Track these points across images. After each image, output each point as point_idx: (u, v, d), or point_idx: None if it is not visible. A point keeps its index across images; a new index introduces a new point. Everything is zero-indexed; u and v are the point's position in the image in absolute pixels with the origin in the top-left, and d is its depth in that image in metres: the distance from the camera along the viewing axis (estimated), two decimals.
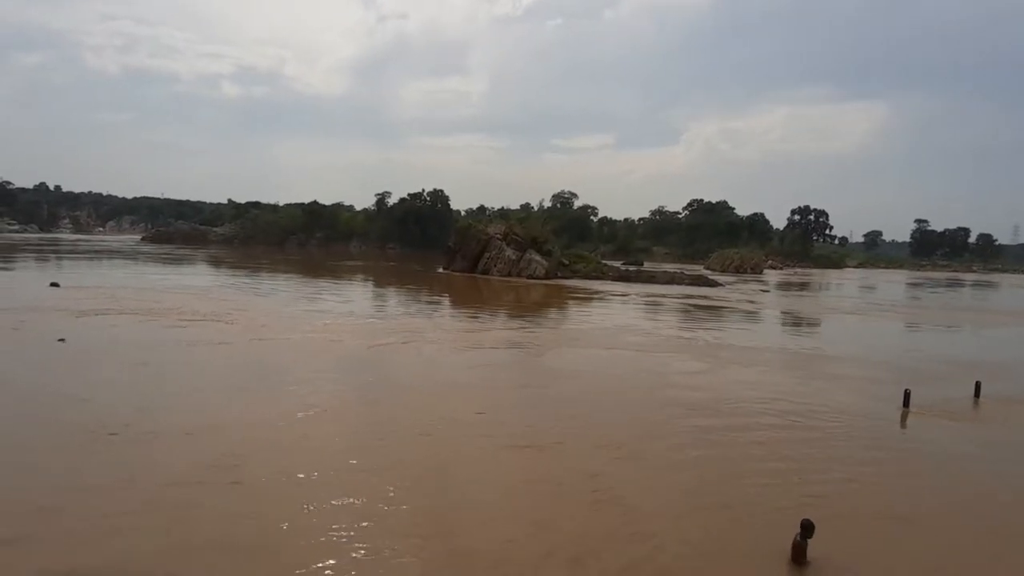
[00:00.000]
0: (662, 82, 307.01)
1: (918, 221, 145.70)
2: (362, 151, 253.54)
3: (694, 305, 34.69)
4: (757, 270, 74.98)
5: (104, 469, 8.18)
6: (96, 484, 7.70)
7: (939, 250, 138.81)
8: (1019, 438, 11.81)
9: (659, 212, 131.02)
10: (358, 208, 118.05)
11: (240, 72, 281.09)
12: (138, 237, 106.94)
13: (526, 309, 30.02)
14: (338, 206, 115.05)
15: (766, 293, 46.23)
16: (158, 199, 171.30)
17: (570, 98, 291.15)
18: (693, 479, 8.90)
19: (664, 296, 39.34)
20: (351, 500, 7.59)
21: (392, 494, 7.81)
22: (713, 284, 49.51)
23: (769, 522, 7.45)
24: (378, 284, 42.67)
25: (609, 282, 48.34)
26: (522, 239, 50.65)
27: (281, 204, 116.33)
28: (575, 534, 7.01)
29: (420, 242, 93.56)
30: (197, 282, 35.89)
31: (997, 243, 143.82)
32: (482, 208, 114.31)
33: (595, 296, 37.52)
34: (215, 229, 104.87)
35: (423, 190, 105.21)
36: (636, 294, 39.80)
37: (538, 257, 49.30)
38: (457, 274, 49.57)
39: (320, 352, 16.59)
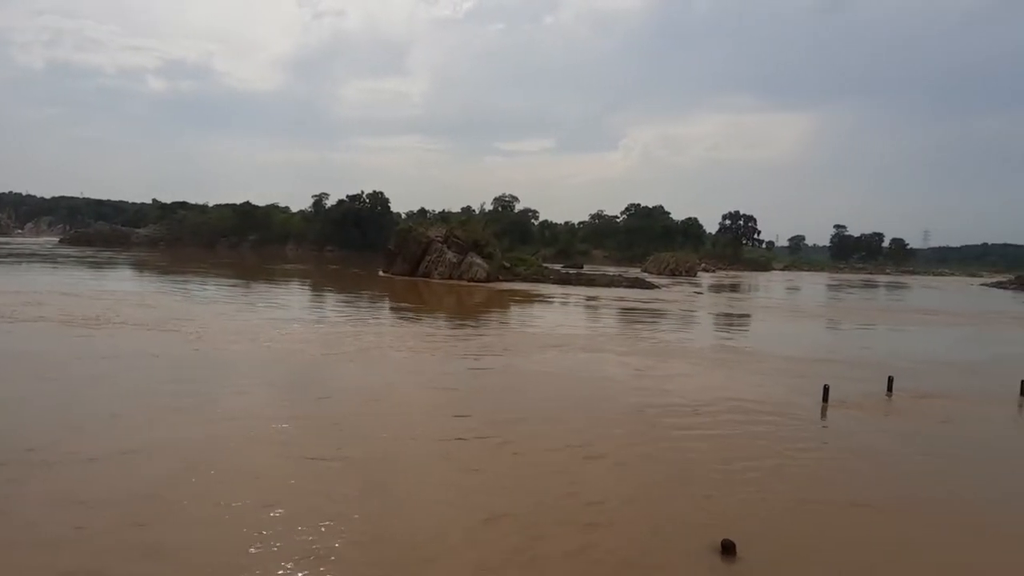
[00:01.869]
0: (602, 88, 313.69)
1: (837, 226, 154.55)
2: (299, 150, 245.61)
3: (633, 307, 35.54)
4: (691, 273, 77.59)
5: None
6: None
7: (856, 254, 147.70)
8: (926, 429, 12.70)
9: (599, 216, 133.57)
10: (294, 209, 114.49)
11: (166, 66, 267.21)
12: (56, 239, 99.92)
13: (470, 313, 29.96)
14: (273, 207, 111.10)
15: (700, 295, 47.92)
16: (77, 199, 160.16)
17: (512, 102, 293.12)
18: (641, 471, 9.23)
19: (604, 298, 40.12)
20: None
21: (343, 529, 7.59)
22: (650, 286, 50.90)
23: (702, 509, 7.76)
24: (317, 289, 41.50)
25: (550, 285, 48.86)
26: (463, 242, 50.51)
27: (211, 204, 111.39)
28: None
29: (359, 244, 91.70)
30: (125, 287, 33.88)
31: (908, 247, 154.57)
32: (423, 211, 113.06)
33: (537, 299, 37.84)
34: (138, 230, 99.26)
35: (362, 192, 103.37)
36: (577, 297, 40.42)
37: (479, 260, 49.29)
38: (398, 277, 48.88)
39: (265, 363, 15.97)
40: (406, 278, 48.36)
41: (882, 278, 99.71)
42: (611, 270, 69.29)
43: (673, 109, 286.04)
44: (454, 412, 12.06)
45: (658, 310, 34.40)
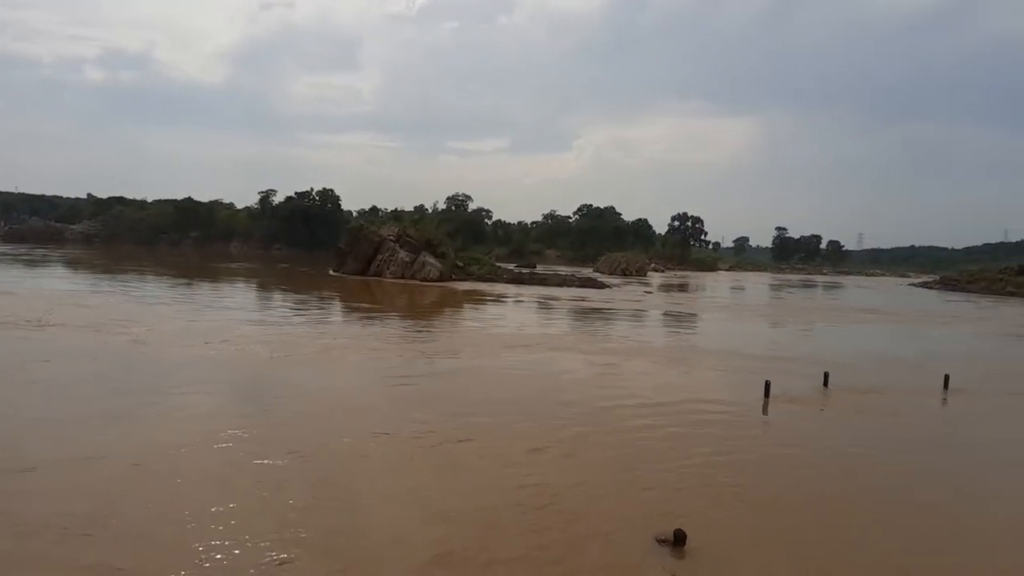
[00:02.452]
0: (556, 89, 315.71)
1: (778, 229, 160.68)
2: (245, 146, 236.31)
3: (586, 307, 36.09)
4: (642, 272, 79.28)
5: None
6: None
7: (796, 255, 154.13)
8: (856, 419, 13.48)
9: (551, 216, 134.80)
10: (239, 206, 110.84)
11: (106, 56, 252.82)
12: None
13: (424, 313, 29.81)
14: (217, 203, 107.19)
15: (650, 295, 49.04)
16: (12, 194, 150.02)
17: (466, 101, 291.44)
18: (595, 465, 9.51)
19: (557, 298, 40.57)
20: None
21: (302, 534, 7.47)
22: (602, 286, 51.76)
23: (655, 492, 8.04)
24: (266, 288, 40.36)
25: (504, 284, 49.03)
26: (416, 241, 50.11)
27: (150, 200, 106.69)
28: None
29: (309, 243, 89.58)
30: (61, 286, 32.08)
31: (844, 249, 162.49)
32: (375, 209, 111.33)
33: (491, 299, 37.94)
34: (72, 227, 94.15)
35: (312, 189, 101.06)
36: (531, 296, 40.73)
37: (432, 259, 49.01)
38: (349, 277, 48.06)
39: (214, 366, 15.46)
40: (357, 277, 47.60)
41: (820, 278, 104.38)
42: (564, 270, 70.09)
43: (625, 111, 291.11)
44: (409, 412, 12.01)
45: (610, 310, 35.05)
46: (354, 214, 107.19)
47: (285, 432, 10.29)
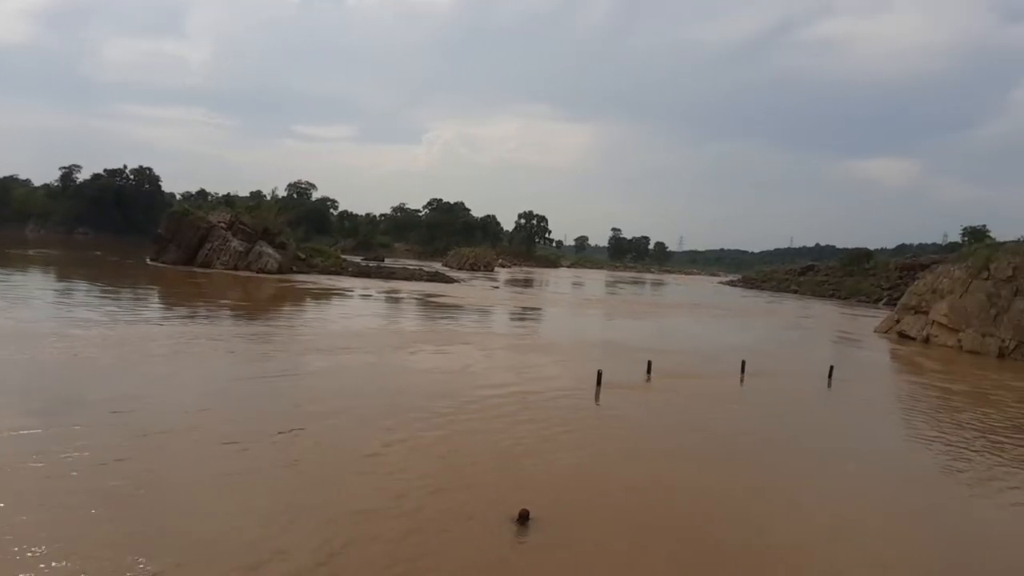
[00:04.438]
0: (407, 80, 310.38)
1: (614, 229, 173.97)
2: (46, 115, 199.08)
3: (434, 301, 36.14)
4: (489, 268, 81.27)
5: None
6: None
7: (629, 254, 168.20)
8: (675, 401, 15.15)
9: (401, 209, 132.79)
10: (37, 184, 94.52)
11: None
12: None
13: (259, 308, 27.75)
14: (11, 180, 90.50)
15: (497, 289, 50.46)
16: None
17: (310, 83, 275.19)
18: (444, 454, 9.67)
19: (405, 292, 40.13)
20: None
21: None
22: (450, 280, 52.16)
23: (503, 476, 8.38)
24: (67, 279, 34.82)
25: (349, 277, 47.39)
26: (252, 229, 46.51)
27: None
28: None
29: (122, 227, 79.20)
30: None
31: (668, 249, 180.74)
32: (203, 193, 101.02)
33: (336, 292, 36.46)
34: None
35: (125, 166, 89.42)
36: (378, 290, 39.83)
37: (270, 250, 45.87)
38: (170, 267, 43.26)
39: None
40: (181, 268, 43.02)
41: (648, 276, 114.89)
42: (413, 264, 69.46)
43: (475, 109, 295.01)
44: (241, 418, 11.20)
45: (459, 304, 35.47)
46: (178, 197, 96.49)
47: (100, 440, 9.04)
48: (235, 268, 43.65)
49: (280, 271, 44.42)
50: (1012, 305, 28.19)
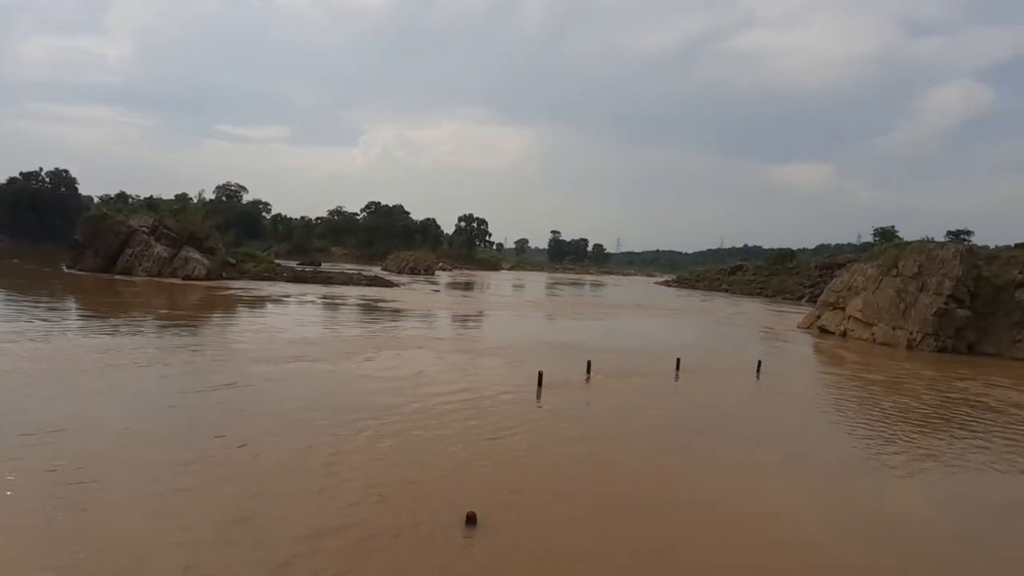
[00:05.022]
0: (342, 80, 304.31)
1: (553, 232, 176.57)
2: None
3: (375, 306, 35.52)
4: (430, 271, 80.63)
5: None
6: None
7: (568, 256, 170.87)
8: (612, 399, 15.49)
9: (338, 212, 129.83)
10: None
11: None
12: None
13: (183, 317, 26.44)
14: None
15: (438, 293, 50.11)
16: None
17: (239, 81, 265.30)
18: (391, 461, 9.48)
19: (343, 297, 39.26)
20: None
21: None
22: (390, 284, 51.42)
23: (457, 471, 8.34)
24: None
25: (284, 283, 45.94)
26: (177, 234, 44.37)
27: None
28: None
29: (37, 233, 73.74)
30: None
31: (606, 251, 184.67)
32: (124, 196, 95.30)
33: (269, 299, 35.22)
34: None
35: (41, 169, 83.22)
36: (316, 296, 38.77)
37: (198, 255, 43.86)
38: (88, 274, 40.64)
39: None
40: (100, 275, 40.49)
41: (587, 277, 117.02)
42: (351, 268, 68.06)
43: (412, 111, 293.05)
44: (171, 430, 10.67)
45: (400, 308, 35.01)
46: (96, 200, 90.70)
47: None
48: (159, 275, 41.53)
49: (208, 277, 42.53)
50: (918, 300, 30.47)
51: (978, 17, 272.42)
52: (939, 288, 29.99)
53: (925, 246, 34.27)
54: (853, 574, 7.30)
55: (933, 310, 29.48)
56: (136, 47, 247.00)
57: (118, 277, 40.41)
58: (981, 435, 14.18)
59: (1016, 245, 41.54)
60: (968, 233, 66.09)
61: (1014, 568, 7.94)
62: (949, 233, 65.22)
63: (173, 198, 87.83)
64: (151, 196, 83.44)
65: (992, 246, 45.57)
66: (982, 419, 15.81)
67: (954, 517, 9.45)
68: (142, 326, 22.26)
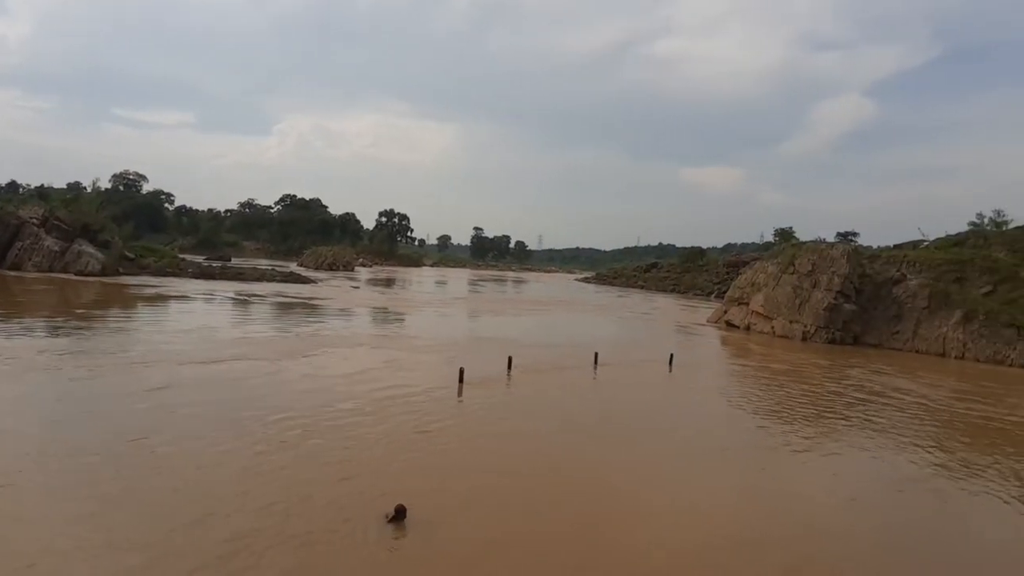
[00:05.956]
0: (255, 66, 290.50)
1: (476, 228, 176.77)
2: None
3: (289, 304, 34.32)
4: (349, 267, 78.61)
5: None
6: None
7: (490, 252, 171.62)
8: (529, 394, 15.93)
9: (249, 205, 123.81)
10: None
11: None
12: None
13: (75, 316, 24.47)
14: None
15: (357, 289, 49.01)
16: None
17: (143, 64, 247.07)
18: (316, 459, 9.28)
19: (256, 294, 37.62)
20: None
21: None
22: (307, 281, 49.75)
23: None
24: None
25: (189, 279, 43.42)
26: (69, 226, 40.97)
27: None
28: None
29: None
30: None
31: (528, 248, 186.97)
32: (14, 185, 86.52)
33: (173, 297, 33.17)
34: None
35: None
36: (224, 293, 36.91)
37: (92, 249, 40.67)
38: None
39: None
40: None
41: (510, 274, 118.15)
42: (264, 263, 65.20)
43: (331, 102, 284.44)
44: (71, 437, 9.96)
45: (316, 306, 34.02)
46: None
47: None
48: (50, 270, 38.27)
49: (104, 272, 39.50)
50: (812, 296, 33.11)
51: (870, 36, 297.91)
52: (829, 285, 32.73)
53: (818, 246, 37.20)
54: (756, 542, 7.99)
55: (824, 305, 32.14)
56: (36, 28, 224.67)
57: (6, 272, 36.91)
58: (871, 417, 15.74)
59: (895, 246, 45.87)
60: (855, 234, 72.53)
61: (901, 532, 8.92)
62: (838, 234, 71.28)
63: (66, 187, 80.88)
64: (43, 185, 76.40)
65: (875, 246, 50.39)
66: (870, 402, 17.53)
67: (848, 490, 10.51)
68: (31, 326, 20.40)
